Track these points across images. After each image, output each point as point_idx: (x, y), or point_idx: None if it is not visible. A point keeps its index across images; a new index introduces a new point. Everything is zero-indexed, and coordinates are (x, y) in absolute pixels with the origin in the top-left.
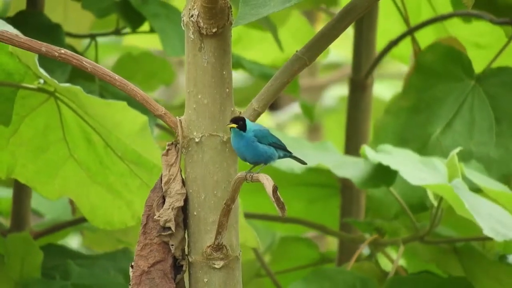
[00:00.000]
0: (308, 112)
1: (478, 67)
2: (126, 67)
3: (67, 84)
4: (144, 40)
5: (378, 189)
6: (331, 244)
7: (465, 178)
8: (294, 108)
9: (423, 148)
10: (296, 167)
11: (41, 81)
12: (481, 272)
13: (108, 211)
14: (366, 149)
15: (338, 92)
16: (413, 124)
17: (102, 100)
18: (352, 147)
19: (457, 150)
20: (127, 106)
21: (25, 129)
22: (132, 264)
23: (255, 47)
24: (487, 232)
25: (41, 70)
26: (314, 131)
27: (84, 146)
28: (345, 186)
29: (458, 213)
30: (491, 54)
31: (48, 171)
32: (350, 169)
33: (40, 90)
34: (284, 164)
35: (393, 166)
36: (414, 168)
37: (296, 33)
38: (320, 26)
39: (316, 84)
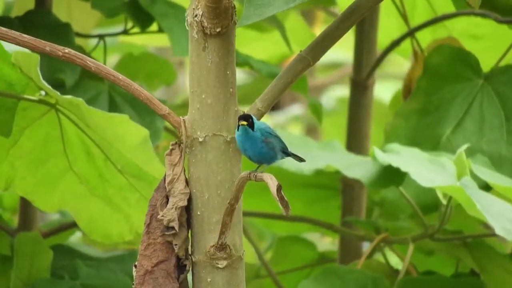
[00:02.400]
0: (317, 111)
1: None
2: (128, 67)
3: (69, 96)
4: (142, 39)
5: (391, 191)
6: (328, 245)
7: (473, 175)
8: (294, 109)
9: (434, 149)
10: (306, 168)
11: (43, 92)
12: (492, 264)
13: (106, 224)
14: (375, 150)
15: (336, 93)
16: (424, 126)
17: (104, 113)
18: (353, 147)
19: (465, 147)
20: (129, 120)
21: (25, 141)
22: (136, 263)
23: (251, 45)
24: (499, 231)
25: (43, 82)
26: (312, 132)
27: (84, 159)
28: (346, 185)
29: (469, 213)
30: (488, 44)
31: (47, 184)
32: (359, 169)
33: (41, 102)
34: (293, 165)
35: (403, 168)
36: (423, 169)
37: (293, 32)
38: (319, 25)
39: (315, 84)
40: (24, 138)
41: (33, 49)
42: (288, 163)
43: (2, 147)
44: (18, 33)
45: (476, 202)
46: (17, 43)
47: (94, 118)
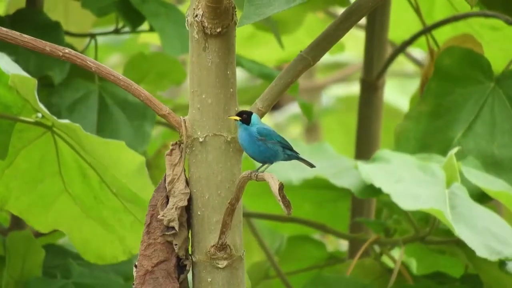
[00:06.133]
0: (307, 111)
1: (494, 52)
2: (137, 67)
3: (66, 121)
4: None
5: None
6: (339, 244)
7: (464, 179)
8: (293, 108)
9: (444, 152)
10: (294, 178)
11: (39, 114)
12: (486, 263)
13: (100, 245)
14: (359, 165)
15: (337, 91)
16: (434, 129)
17: (100, 139)
18: (363, 148)
19: (455, 150)
20: (125, 146)
21: (20, 162)
22: (136, 263)
23: (270, 44)
24: (480, 253)
25: (40, 105)
26: (312, 130)
27: (79, 181)
28: None
29: (454, 234)
30: (508, 34)
31: (41, 204)
32: (348, 177)
33: (37, 124)
34: (281, 174)
35: (385, 189)
36: (410, 182)
37: (311, 32)
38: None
39: (315, 85)
40: (19, 159)
41: (34, 49)
42: (277, 173)
43: None
44: (18, 33)
45: (456, 224)
46: (17, 43)
47: (90, 143)
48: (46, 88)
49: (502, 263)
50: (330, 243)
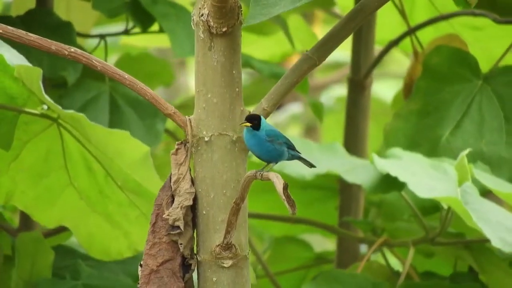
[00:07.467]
0: (318, 110)
1: (476, 52)
2: (125, 68)
3: (71, 111)
4: (141, 40)
5: (390, 193)
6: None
7: (474, 180)
8: (292, 108)
9: (433, 150)
10: (307, 173)
11: (45, 107)
12: (493, 267)
13: (105, 241)
14: (374, 157)
15: (336, 92)
16: (423, 127)
17: (104, 128)
18: (350, 147)
19: (466, 151)
20: (129, 136)
21: (26, 155)
22: (141, 263)
23: (253, 45)
24: (495, 243)
25: (45, 96)
26: (311, 131)
27: (84, 174)
28: (344, 185)
29: (468, 224)
30: (490, 34)
31: (47, 198)
32: (360, 174)
33: (43, 116)
34: (294, 170)
35: (402, 178)
36: (424, 176)
37: (294, 31)
38: (319, 25)
39: (314, 84)
40: (25, 152)
41: (40, 48)
42: (289, 168)
43: (3, 161)
44: (24, 32)
45: (472, 214)
46: (23, 42)
47: (95, 133)
48: (57, 90)
49: None
50: (324, 247)
